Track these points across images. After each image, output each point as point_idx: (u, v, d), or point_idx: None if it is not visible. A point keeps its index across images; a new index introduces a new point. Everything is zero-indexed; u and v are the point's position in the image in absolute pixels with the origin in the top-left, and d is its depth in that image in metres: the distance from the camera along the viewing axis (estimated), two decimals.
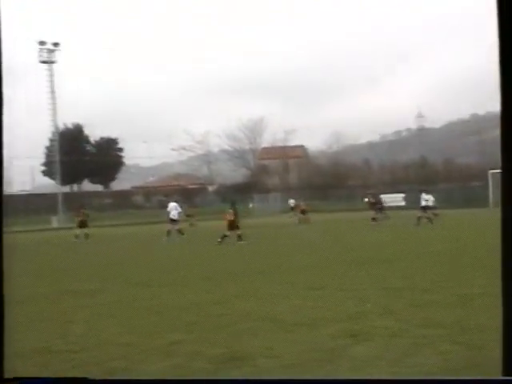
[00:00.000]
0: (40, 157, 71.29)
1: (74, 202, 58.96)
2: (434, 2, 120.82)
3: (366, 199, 39.53)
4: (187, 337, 6.37)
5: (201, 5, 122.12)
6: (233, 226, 21.45)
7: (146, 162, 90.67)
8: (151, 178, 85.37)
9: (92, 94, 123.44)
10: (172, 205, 26.79)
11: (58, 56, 56.95)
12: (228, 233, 21.35)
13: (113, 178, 75.79)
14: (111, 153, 73.18)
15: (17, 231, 43.15)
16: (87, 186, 76.31)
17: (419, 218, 27.15)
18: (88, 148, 73.33)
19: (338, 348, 5.61)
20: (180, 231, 25.60)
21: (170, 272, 13.18)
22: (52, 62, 56.53)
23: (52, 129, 60.72)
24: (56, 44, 56.39)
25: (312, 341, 5.95)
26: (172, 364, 5.31)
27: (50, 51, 56.28)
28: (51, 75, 56.81)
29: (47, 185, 78.20)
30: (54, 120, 58.52)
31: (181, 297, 9.37)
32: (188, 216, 36.02)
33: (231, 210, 22.21)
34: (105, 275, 13.12)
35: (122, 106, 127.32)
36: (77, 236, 27.48)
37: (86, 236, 27.19)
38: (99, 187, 75.54)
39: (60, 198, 56.80)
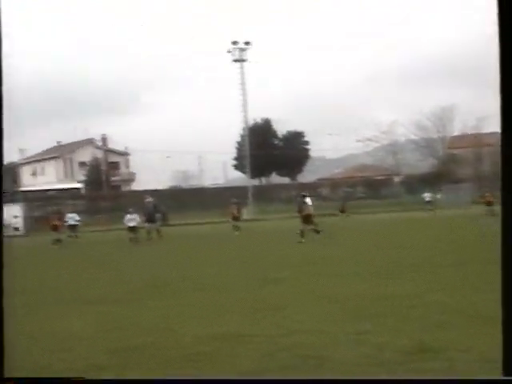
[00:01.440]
0: (231, 152, 75.27)
1: (263, 195, 61.44)
2: None
3: (487, 194, 34.19)
4: (375, 327, 6.35)
5: None
6: (308, 220, 21.13)
7: (331, 154, 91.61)
8: (336, 170, 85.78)
9: (279, 89, 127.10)
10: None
11: (248, 54, 59.24)
12: (302, 227, 21.01)
13: (299, 171, 77.41)
14: (298, 146, 74.77)
15: (212, 222, 46.05)
16: (275, 178, 78.85)
17: None
18: (276, 142, 75.67)
19: None
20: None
21: (341, 263, 13.17)
22: (243, 61, 58.94)
23: (242, 124, 63.57)
24: (247, 43, 58.62)
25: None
26: (361, 353, 5.33)
27: (242, 50, 58.70)
28: (242, 73, 59.33)
29: (238, 178, 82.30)
30: (245, 116, 61.16)
31: (363, 287, 9.33)
32: (342, 211, 38.83)
33: (306, 204, 21.88)
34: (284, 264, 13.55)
35: (307, 100, 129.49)
36: (237, 228, 29.17)
37: (236, 228, 29.02)
38: (286, 180, 77.66)
39: (250, 191, 59.31)
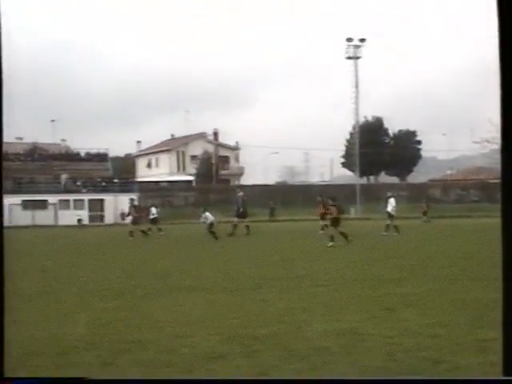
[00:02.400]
0: (339, 149, 74.81)
1: (370, 194, 60.56)
2: None
3: None
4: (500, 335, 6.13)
5: None
6: (336, 223, 20.54)
7: (443, 155, 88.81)
8: (449, 172, 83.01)
9: (391, 86, 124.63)
10: (391, 200, 27.13)
11: (363, 51, 58.35)
12: (331, 230, 20.53)
13: (409, 171, 75.61)
14: (409, 145, 73.05)
15: (315, 219, 45.90)
16: (383, 177, 77.50)
17: None
18: (386, 140, 74.32)
19: None
20: (396, 228, 25.59)
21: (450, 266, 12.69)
22: (357, 58, 58.16)
23: (352, 122, 62.90)
24: (362, 40, 57.78)
25: None
26: (487, 361, 5.19)
27: (356, 47, 57.95)
28: (356, 70, 58.60)
29: (345, 176, 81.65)
30: (356, 114, 60.44)
31: (483, 293, 9.00)
32: (424, 214, 38.45)
33: (334, 207, 21.18)
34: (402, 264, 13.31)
35: (421, 99, 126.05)
36: (325, 226, 27.46)
37: (323, 228, 27.37)
38: (395, 179, 76.10)
39: (358, 189, 58.64)
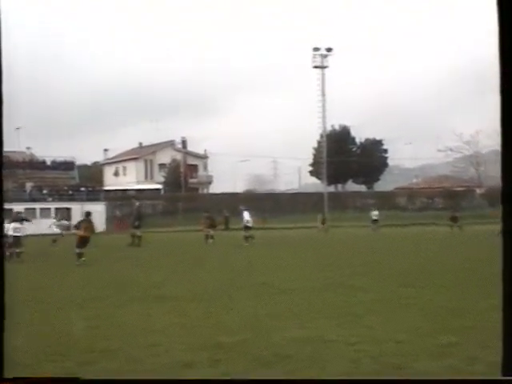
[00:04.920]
0: (307, 158, 75.17)
1: (338, 202, 61.00)
2: None
3: None
4: (461, 340, 6.28)
5: None
6: (83, 242, 17.92)
7: (409, 163, 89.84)
8: (414, 180, 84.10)
9: (358, 95, 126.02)
10: (245, 213, 27.35)
11: (330, 61, 58.96)
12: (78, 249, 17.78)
13: (376, 179, 76.31)
14: (376, 154, 73.78)
15: (287, 228, 46.01)
16: (351, 186, 78.07)
17: None
18: (354, 149, 74.94)
19: None
20: (251, 237, 25.95)
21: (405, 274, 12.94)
22: (324, 67, 58.72)
23: (320, 131, 63.35)
24: (329, 49, 58.35)
25: None
26: (446, 365, 5.31)
27: (323, 56, 58.53)
28: (323, 79, 59.12)
29: (312, 184, 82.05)
30: (323, 122, 60.89)
31: (447, 300, 9.20)
32: (322, 223, 39.44)
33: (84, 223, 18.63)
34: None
35: (386, 108, 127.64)
36: (210, 237, 27.43)
37: (212, 237, 27.15)
38: (363, 188, 76.74)
39: (325, 198, 59.02)
